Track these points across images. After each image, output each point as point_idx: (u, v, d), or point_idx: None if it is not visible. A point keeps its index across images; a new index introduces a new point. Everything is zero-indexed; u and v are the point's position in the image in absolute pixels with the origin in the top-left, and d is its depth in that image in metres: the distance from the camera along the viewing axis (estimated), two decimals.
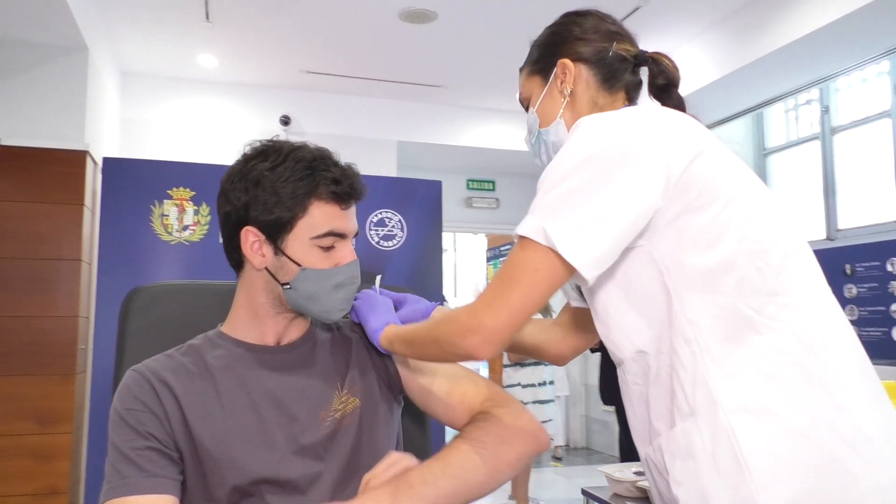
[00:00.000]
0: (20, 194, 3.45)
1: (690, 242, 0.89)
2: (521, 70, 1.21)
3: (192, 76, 5.10)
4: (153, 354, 1.07)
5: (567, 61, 1.10)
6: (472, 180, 6.72)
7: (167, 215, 3.59)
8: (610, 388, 3.78)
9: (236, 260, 1.10)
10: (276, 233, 1.03)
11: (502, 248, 9.65)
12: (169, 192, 3.58)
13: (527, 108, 1.19)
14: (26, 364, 3.34)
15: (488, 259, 9.97)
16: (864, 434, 0.84)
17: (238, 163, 1.08)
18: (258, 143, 1.09)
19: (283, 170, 1.03)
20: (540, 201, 0.90)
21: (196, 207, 3.59)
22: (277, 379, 1.06)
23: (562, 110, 1.10)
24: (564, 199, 0.88)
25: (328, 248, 1.05)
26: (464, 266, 10.74)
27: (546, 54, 1.14)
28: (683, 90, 4.33)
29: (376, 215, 3.71)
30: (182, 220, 3.59)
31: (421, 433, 1.25)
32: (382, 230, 3.72)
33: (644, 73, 1.13)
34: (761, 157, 5.82)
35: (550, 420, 4.37)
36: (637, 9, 4.05)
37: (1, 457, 3.25)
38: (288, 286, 1.04)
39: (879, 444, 0.84)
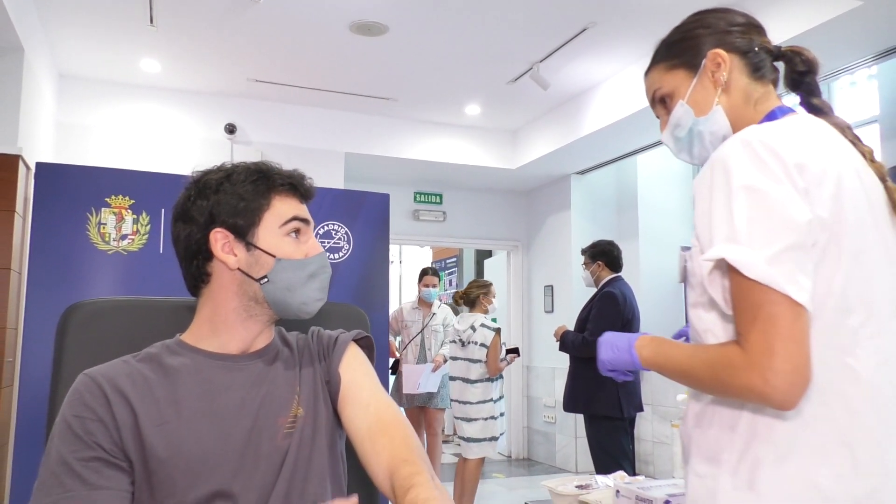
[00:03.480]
0: None
1: None
2: (652, 69, 1.20)
3: (133, 81, 4.95)
4: None
5: (720, 51, 1.11)
6: (420, 193, 6.73)
7: (104, 224, 3.47)
8: (574, 398, 3.84)
9: (202, 275, 1.09)
10: (245, 228, 1.06)
11: (448, 261, 9.68)
12: (107, 199, 3.46)
13: (664, 105, 1.18)
14: None
15: None
16: (877, 499, 0.91)
17: (189, 186, 1.11)
18: (197, 171, 1.14)
19: (238, 175, 1.10)
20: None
21: (135, 216, 3.48)
22: (238, 386, 1.06)
23: (717, 99, 1.11)
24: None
25: (297, 235, 1.09)
26: (409, 278, 10.71)
27: (692, 47, 1.14)
28: (629, 110, 4.44)
29: (323, 227, 3.67)
30: (120, 228, 3.47)
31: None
32: (329, 242, 3.68)
33: (780, 66, 1.16)
34: None
35: (503, 433, 4.34)
36: (585, 29, 4.14)
37: None
38: (265, 279, 1.06)
39: None
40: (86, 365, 1.07)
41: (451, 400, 4.44)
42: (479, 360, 4.23)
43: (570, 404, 3.89)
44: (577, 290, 6.06)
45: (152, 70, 4.76)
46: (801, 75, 1.12)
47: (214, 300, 1.09)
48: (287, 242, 1.08)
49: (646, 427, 5.46)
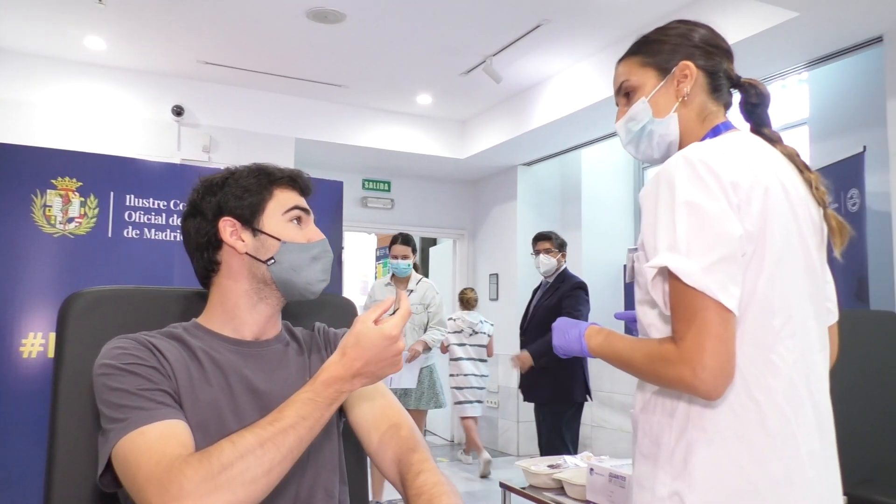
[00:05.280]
0: None
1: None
2: (626, 59, 1.27)
3: (77, 58, 4.80)
4: (95, 360, 1.06)
5: (691, 64, 1.19)
6: (368, 180, 6.75)
7: (50, 206, 3.39)
8: (529, 386, 3.95)
9: (212, 264, 1.15)
10: (250, 216, 1.14)
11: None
12: (53, 181, 3.38)
13: (626, 96, 1.25)
14: None
15: (378, 258, 10.00)
16: (789, 479, 1.02)
17: (196, 187, 1.18)
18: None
19: (241, 172, 1.19)
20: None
21: (83, 199, 3.41)
22: (253, 369, 1.12)
23: (676, 106, 1.20)
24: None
25: (299, 223, 1.17)
26: (352, 264, 10.71)
27: (667, 52, 1.22)
28: (576, 106, 4.56)
29: None
30: (67, 211, 3.40)
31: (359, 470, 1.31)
32: None
33: (735, 94, 1.26)
34: (640, 170, 6.25)
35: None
36: (538, 26, 4.25)
37: None
38: (272, 261, 1.13)
39: (797, 492, 1.03)
40: (88, 353, 1.10)
41: (454, 375, 5.67)
42: (484, 346, 5.76)
43: (534, 394, 3.93)
44: (521, 279, 6.22)
45: (97, 48, 4.62)
46: (754, 106, 1.23)
47: (225, 287, 1.15)
48: (290, 228, 1.15)
49: (586, 411, 5.65)
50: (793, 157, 1.17)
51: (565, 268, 4.06)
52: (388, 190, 6.85)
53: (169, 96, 5.09)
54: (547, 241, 4.07)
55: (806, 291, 1.11)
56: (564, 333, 1.24)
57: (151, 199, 3.54)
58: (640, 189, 6.26)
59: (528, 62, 4.88)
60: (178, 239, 3.42)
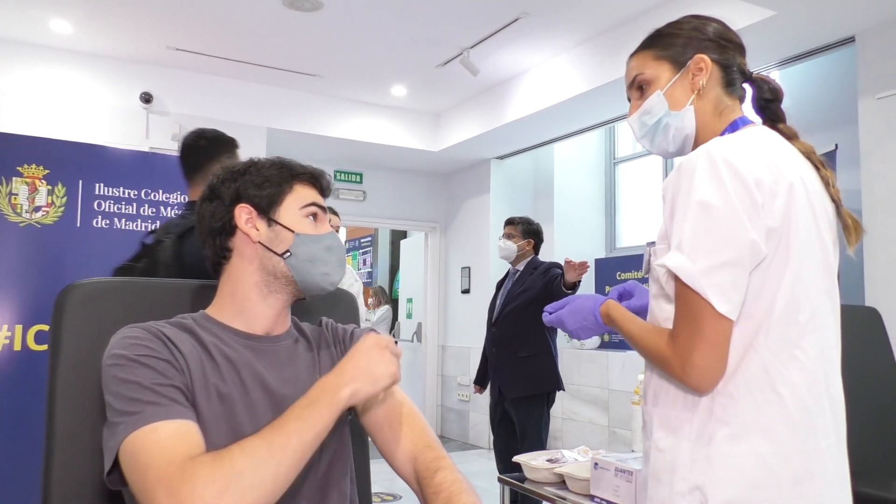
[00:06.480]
0: None
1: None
2: (639, 53, 1.26)
3: (41, 42, 4.63)
4: (94, 354, 1.02)
5: (706, 58, 1.19)
6: (340, 172, 6.67)
7: (16, 194, 3.29)
8: (505, 381, 3.84)
9: (224, 251, 1.13)
10: (267, 206, 1.13)
11: (362, 240, 9.66)
12: (19, 168, 3.28)
13: (640, 90, 1.25)
14: None
15: (346, 250, 9.93)
16: (810, 473, 1.04)
17: (216, 173, 1.17)
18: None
19: (263, 163, 1.17)
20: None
21: (50, 187, 3.31)
22: (265, 366, 1.09)
23: (693, 99, 1.20)
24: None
25: (315, 219, 1.16)
26: None
27: (681, 45, 1.22)
28: (552, 100, 4.55)
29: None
30: (34, 200, 3.31)
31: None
32: None
33: (748, 88, 1.26)
34: (612, 166, 6.31)
35: None
36: (517, 19, 4.24)
37: None
38: (288, 253, 1.11)
39: (816, 485, 1.04)
40: (87, 346, 1.06)
41: None
42: None
43: (516, 387, 3.78)
44: (494, 272, 6.22)
45: (63, 31, 4.47)
46: (768, 102, 1.23)
47: (235, 276, 1.12)
48: (306, 223, 1.14)
49: (556, 404, 5.70)
50: (809, 154, 1.17)
51: (534, 256, 3.92)
52: (360, 182, 6.80)
53: (137, 83, 4.95)
54: (510, 226, 3.89)
55: (823, 287, 1.12)
56: (582, 319, 1.25)
57: (122, 188, 3.46)
58: (611, 184, 6.34)
59: (504, 55, 4.87)
60: (149, 229, 3.34)
